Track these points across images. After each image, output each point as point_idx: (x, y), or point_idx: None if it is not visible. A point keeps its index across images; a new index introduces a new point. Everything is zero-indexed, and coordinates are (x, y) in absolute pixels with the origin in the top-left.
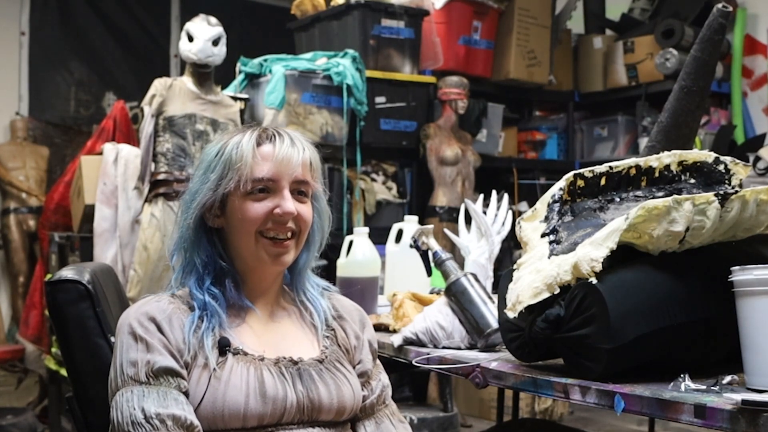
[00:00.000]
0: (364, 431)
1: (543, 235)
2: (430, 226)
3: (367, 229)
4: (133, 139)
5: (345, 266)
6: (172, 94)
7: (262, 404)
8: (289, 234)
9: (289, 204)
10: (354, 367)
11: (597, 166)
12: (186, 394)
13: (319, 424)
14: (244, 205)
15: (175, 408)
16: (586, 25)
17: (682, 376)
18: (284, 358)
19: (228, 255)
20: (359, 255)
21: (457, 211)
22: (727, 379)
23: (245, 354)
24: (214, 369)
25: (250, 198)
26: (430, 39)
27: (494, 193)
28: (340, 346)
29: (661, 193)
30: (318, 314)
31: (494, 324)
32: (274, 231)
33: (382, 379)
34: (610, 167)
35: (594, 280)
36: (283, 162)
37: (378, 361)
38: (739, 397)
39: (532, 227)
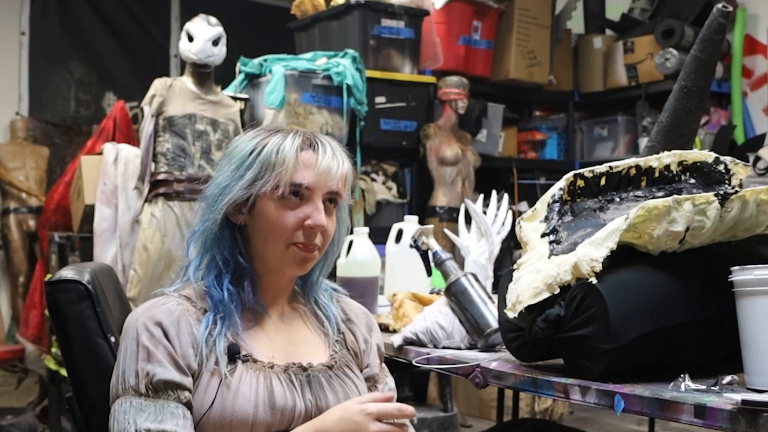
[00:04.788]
0: None
1: (543, 235)
2: (430, 226)
3: (367, 229)
4: (133, 139)
5: (345, 266)
6: (172, 94)
7: (271, 414)
8: (314, 245)
9: (321, 217)
10: (361, 371)
11: (597, 166)
12: (188, 404)
13: None
14: (276, 211)
15: (169, 423)
16: (586, 25)
17: (682, 376)
18: (294, 364)
19: (248, 253)
20: (359, 255)
21: (457, 211)
22: (727, 379)
23: (255, 361)
24: (225, 375)
25: (283, 204)
26: (430, 39)
27: (494, 193)
28: (349, 349)
29: (661, 193)
30: (330, 322)
31: (494, 324)
32: (302, 241)
33: (388, 383)
34: (610, 167)
35: (594, 280)
36: (324, 173)
37: (384, 365)
38: (739, 397)
39: (532, 227)
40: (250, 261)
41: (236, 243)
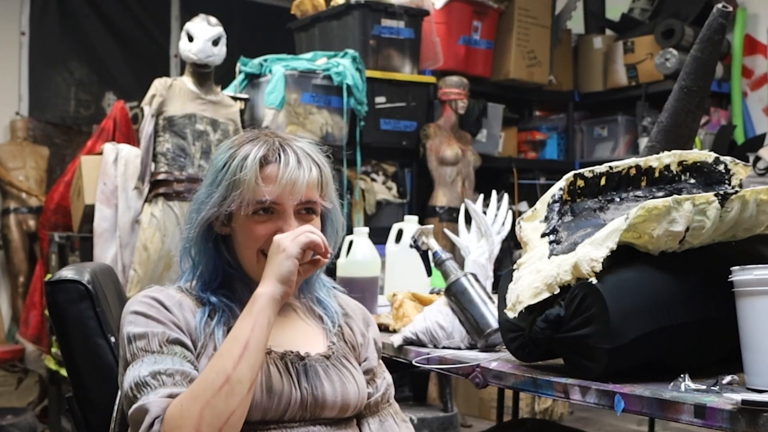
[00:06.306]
0: (368, 429)
1: (543, 235)
2: (430, 226)
3: (367, 229)
4: (133, 139)
5: (345, 266)
6: (172, 94)
7: (267, 399)
8: None
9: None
10: (360, 364)
11: (597, 166)
12: (193, 364)
13: (321, 422)
14: (247, 225)
15: (186, 367)
16: (586, 25)
17: (682, 376)
18: (291, 352)
19: (236, 259)
20: (359, 255)
21: (457, 211)
22: (727, 379)
23: None
24: None
25: (253, 219)
26: (430, 39)
27: (494, 193)
28: (346, 342)
29: (661, 193)
30: (330, 316)
31: (494, 324)
32: None
33: (386, 378)
34: (610, 167)
35: (594, 280)
36: (287, 186)
37: (381, 360)
38: (739, 397)
39: (532, 227)
40: (240, 265)
41: (221, 254)
